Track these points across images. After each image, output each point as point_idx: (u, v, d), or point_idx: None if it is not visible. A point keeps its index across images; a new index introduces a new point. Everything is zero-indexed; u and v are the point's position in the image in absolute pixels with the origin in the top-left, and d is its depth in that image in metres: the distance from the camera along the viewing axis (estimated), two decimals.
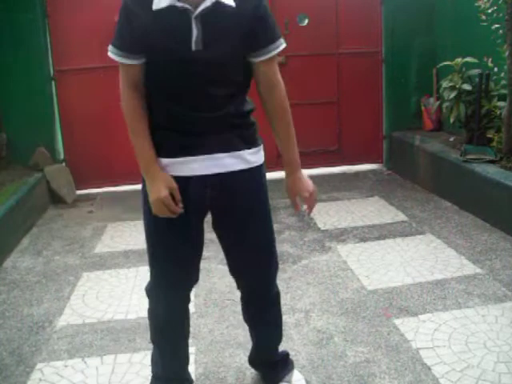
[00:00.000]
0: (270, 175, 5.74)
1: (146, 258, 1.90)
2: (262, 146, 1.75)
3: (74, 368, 2.20)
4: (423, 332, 2.32)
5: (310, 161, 5.15)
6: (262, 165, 1.75)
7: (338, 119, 5.13)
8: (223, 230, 1.79)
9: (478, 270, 2.88)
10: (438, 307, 2.52)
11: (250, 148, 1.68)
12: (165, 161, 1.63)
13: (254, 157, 1.70)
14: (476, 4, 3.85)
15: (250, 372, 2.11)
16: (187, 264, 1.77)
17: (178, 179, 1.63)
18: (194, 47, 1.50)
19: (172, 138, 1.63)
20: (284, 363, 2.02)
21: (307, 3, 4.88)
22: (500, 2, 3.65)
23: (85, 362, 2.24)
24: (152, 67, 1.58)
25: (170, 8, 1.47)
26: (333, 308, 2.59)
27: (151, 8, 1.48)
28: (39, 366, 2.23)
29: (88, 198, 4.70)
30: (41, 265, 3.29)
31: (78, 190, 4.77)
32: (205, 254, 3.28)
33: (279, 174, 5.17)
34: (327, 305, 2.62)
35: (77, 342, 2.39)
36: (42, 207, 4.30)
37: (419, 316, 2.46)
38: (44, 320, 2.61)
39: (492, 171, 3.56)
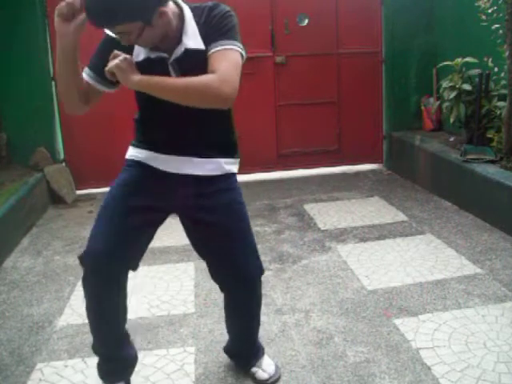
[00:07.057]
0: (270, 175, 5.71)
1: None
2: (238, 160, 1.86)
3: (74, 368, 2.20)
4: (423, 332, 2.32)
5: (310, 161, 5.17)
6: (235, 173, 1.86)
7: (338, 119, 5.13)
8: (199, 227, 1.84)
9: (478, 270, 2.88)
10: (438, 307, 2.53)
11: (227, 158, 1.80)
12: (146, 153, 1.78)
13: (228, 166, 1.82)
14: (476, 4, 3.85)
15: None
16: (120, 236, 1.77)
17: (155, 170, 1.77)
18: None
19: (157, 138, 1.77)
20: (256, 351, 2.11)
21: (307, 3, 4.88)
22: (500, 2, 3.65)
23: (85, 362, 2.24)
24: (139, 96, 1.74)
25: (147, 59, 1.64)
26: (333, 308, 2.59)
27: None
28: (39, 365, 2.23)
29: (88, 197, 4.70)
30: (41, 265, 3.29)
31: (78, 190, 4.78)
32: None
33: (279, 174, 5.21)
34: (327, 305, 2.62)
35: (77, 342, 2.39)
36: (42, 207, 4.30)
37: (419, 316, 2.46)
38: (44, 320, 2.61)
39: (492, 171, 3.56)
